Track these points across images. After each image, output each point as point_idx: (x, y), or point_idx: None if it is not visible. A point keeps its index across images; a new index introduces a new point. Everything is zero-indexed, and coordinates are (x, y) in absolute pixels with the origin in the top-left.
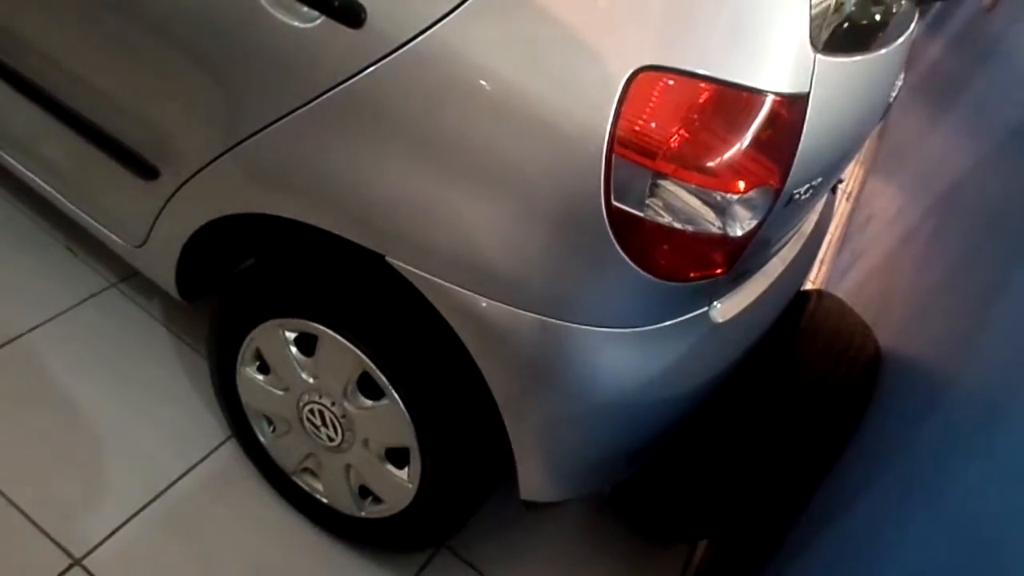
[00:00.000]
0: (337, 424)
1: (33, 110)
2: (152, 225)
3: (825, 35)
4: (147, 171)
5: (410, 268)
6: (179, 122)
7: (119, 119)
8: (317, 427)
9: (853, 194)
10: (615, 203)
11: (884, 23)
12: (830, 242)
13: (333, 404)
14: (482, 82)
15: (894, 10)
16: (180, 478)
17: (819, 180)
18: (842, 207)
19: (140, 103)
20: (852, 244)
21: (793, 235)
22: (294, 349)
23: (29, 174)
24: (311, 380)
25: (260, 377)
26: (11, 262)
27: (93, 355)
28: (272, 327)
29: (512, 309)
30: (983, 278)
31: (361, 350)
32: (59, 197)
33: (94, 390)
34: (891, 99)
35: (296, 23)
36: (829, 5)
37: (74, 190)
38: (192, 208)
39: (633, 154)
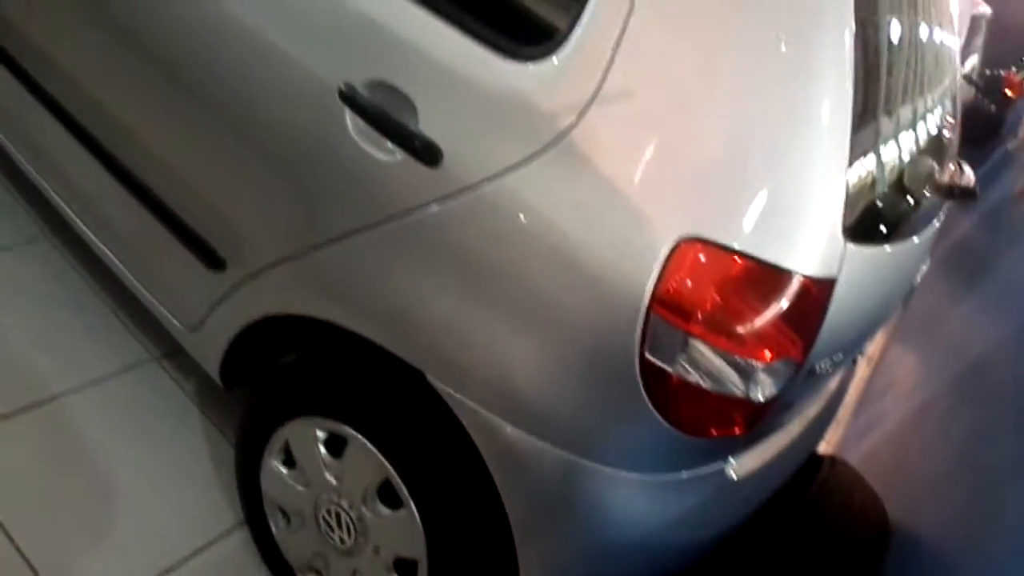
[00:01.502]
0: (352, 528)
1: (112, 182)
2: (209, 312)
3: (856, 225)
4: (215, 261)
5: (447, 389)
6: (254, 221)
7: (196, 208)
8: (331, 528)
9: (874, 359)
10: (648, 356)
11: (912, 215)
12: (848, 404)
13: (351, 507)
14: (539, 230)
15: (923, 203)
16: (189, 558)
17: (840, 356)
18: (862, 370)
19: (219, 197)
20: (869, 409)
21: (813, 399)
22: (323, 449)
23: (94, 237)
24: (334, 481)
25: (284, 470)
26: (60, 319)
27: (124, 425)
28: (305, 424)
29: (538, 441)
30: (1001, 461)
31: (387, 458)
32: (120, 265)
33: (119, 460)
34: (916, 282)
35: (379, 156)
36: (861, 197)
37: (137, 263)
38: (251, 303)
39: (669, 313)
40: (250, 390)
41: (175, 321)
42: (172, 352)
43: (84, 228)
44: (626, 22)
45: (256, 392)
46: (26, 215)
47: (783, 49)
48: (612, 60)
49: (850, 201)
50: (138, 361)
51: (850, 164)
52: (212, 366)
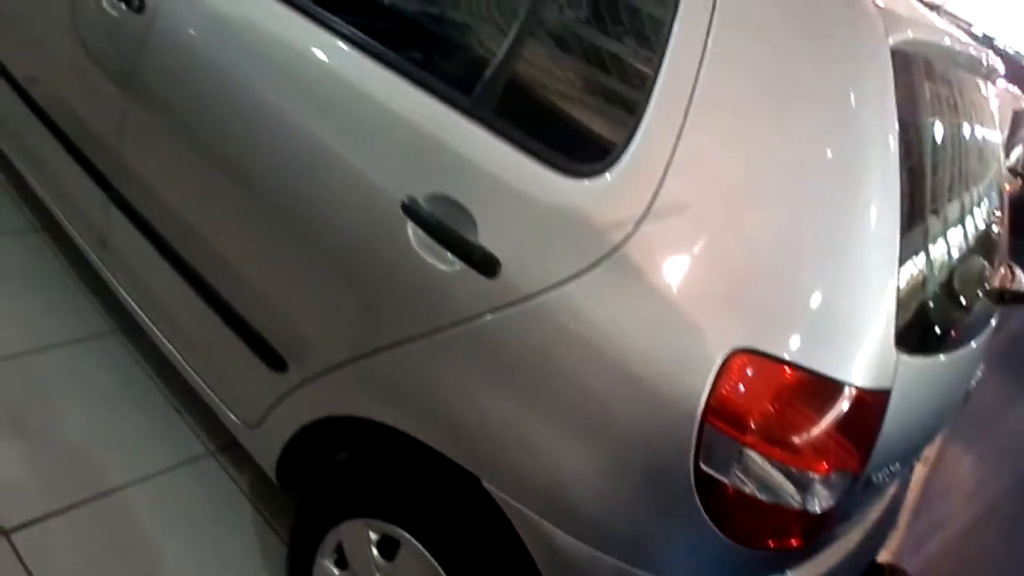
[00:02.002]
0: None
1: (178, 280)
2: (269, 411)
3: (908, 333)
4: (276, 362)
5: (501, 494)
6: (316, 325)
7: (259, 309)
8: None
9: (931, 460)
10: (703, 466)
11: (965, 321)
12: (906, 508)
13: None
14: (594, 339)
15: (975, 307)
16: None
17: (897, 466)
18: (920, 471)
19: (282, 300)
20: (928, 514)
21: (872, 508)
22: (375, 550)
23: (159, 333)
24: None
25: (337, 571)
26: (121, 412)
27: (179, 520)
28: (358, 525)
29: (592, 549)
30: None
31: (439, 561)
32: (183, 361)
33: (174, 554)
34: (970, 388)
35: (440, 266)
36: (912, 301)
37: (200, 360)
38: (310, 404)
39: (724, 424)
40: (305, 488)
41: (234, 417)
42: (228, 445)
43: (150, 324)
44: (678, 138)
45: (310, 491)
46: (94, 310)
47: (829, 155)
48: (664, 175)
49: (902, 306)
50: (195, 455)
51: (900, 266)
52: (269, 464)
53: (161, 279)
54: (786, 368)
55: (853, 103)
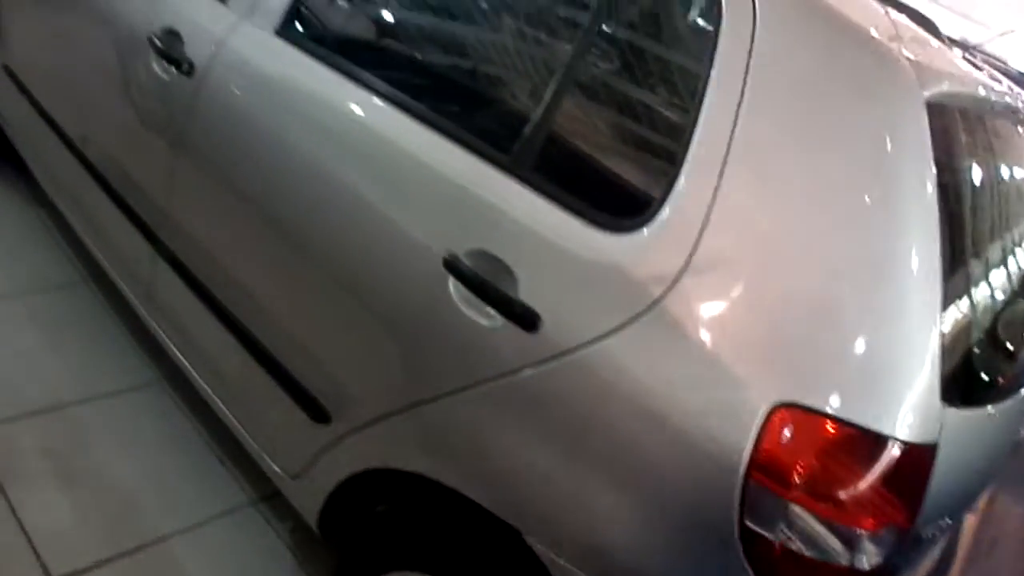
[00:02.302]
0: None
1: (223, 331)
2: (311, 463)
3: (954, 385)
4: (320, 414)
5: (543, 548)
6: (358, 377)
7: (303, 360)
8: None
9: (980, 510)
10: (747, 522)
11: (1012, 369)
12: (957, 560)
13: None
14: (634, 393)
15: (1021, 360)
16: None
17: (947, 520)
18: (969, 522)
19: (325, 352)
20: (980, 565)
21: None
22: None
23: (203, 383)
24: None
25: None
26: (166, 462)
27: (223, 570)
28: None
29: None
30: None
31: None
32: (227, 412)
33: None
34: (1020, 438)
35: (480, 320)
36: (957, 350)
37: (244, 410)
38: (353, 456)
39: (769, 480)
40: (347, 540)
41: (277, 468)
42: (271, 495)
43: (194, 374)
44: (715, 191)
45: (352, 543)
46: (140, 360)
47: (867, 202)
48: (702, 229)
49: (946, 355)
50: (238, 505)
51: (942, 313)
52: (311, 515)
53: (206, 330)
54: (829, 422)
55: (889, 150)
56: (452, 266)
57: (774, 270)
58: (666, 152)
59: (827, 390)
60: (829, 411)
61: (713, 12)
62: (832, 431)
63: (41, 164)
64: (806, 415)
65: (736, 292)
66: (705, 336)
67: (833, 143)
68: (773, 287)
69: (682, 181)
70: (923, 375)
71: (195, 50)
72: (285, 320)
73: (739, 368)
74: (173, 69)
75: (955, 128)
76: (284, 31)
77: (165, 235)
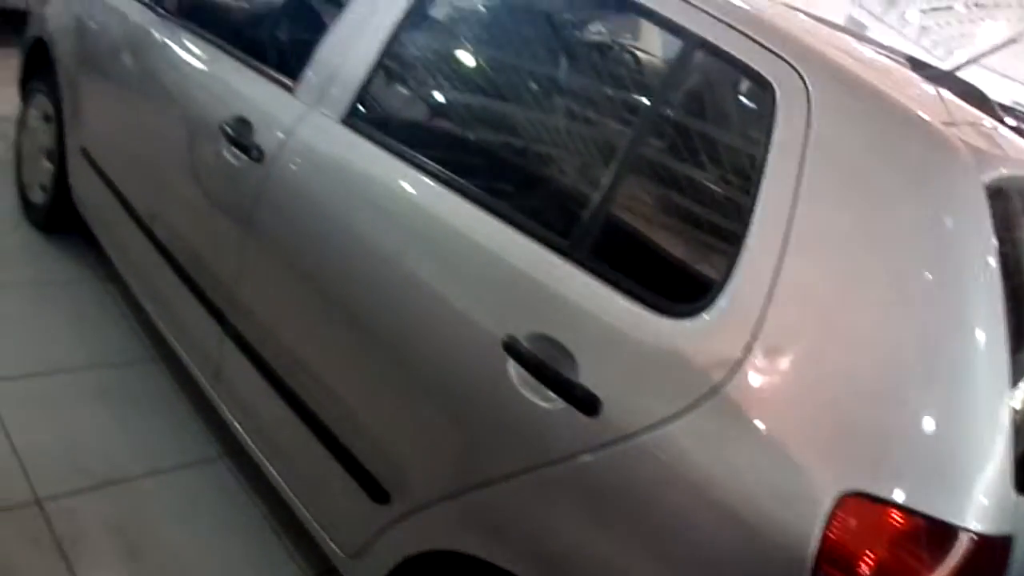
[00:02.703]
0: None
1: (285, 409)
2: (371, 542)
3: None
4: (379, 494)
5: None
6: (418, 458)
7: (364, 440)
8: None
9: None
10: None
11: None
12: None
13: None
14: (696, 481)
15: None
16: None
17: None
18: None
19: (385, 432)
20: None
21: None
22: None
23: (263, 456)
24: None
25: None
26: (227, 537)
27: None
28: None
29: None
30: None
31: None
32: (285, 486)
33: None
34: None
35: (541, 403)
36: None
37: (303, 487)
38: (411, 536)
39: (837, 572)
40: None
41: (335, 546)
42: (327, 572)
43: (256, 451)
44: (776, 274)
45: None
46: (203, 435)
47: (928, 278)
48: (764, 313)
49: (1018, 439)
50: None
51: (1012, 393)
52: None
53: (269, 408)
54: (898, 512)
55: (949, 230)
56: (512, 349)
57: (837, 353)
58: (725, 236)
59: (894, 478)
60: (897, 500)
61: (767, 96)
62: (901, 521)
63: (114, 242)
64: (873, 505)
65: (799, 377)
66: (768, 422)
67: (892, 225)
68: (836, 371)
69: (742, 265)
70: (994, 461)
71: (264, 138)
72: (347, 399)
73: (804, 455)
74: (243, 155)
75: (1016, 207)
76: (349, 119)
77: (232, 315)
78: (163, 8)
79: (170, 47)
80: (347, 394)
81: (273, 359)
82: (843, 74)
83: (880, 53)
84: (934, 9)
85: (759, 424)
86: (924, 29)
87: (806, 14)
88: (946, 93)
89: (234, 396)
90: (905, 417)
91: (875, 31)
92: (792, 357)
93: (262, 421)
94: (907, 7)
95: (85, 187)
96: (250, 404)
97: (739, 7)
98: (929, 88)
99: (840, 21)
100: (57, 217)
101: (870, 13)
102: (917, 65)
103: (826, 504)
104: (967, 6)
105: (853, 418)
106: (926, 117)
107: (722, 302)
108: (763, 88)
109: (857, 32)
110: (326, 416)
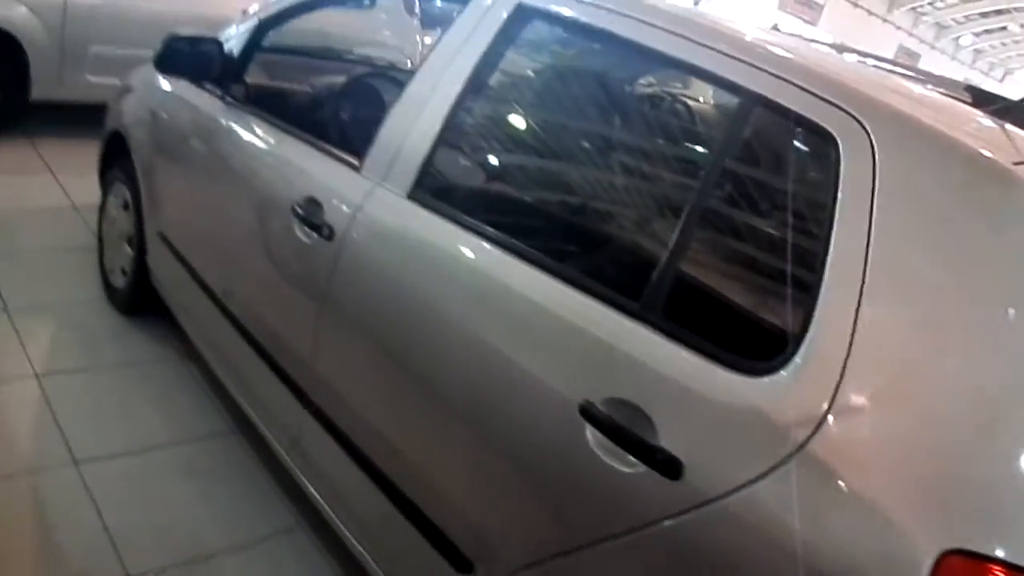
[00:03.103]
0: None
1: (365, 480)
2: None
3: None
4: (461, 564)
5: None
6: (498, 527)
7: (445, 511)
8: None
9: None
10: None
11: None
12: None
13: None
14: (786, 543)
15: None
16: None
17: None
18: None
19: (467, 502)
20: None
21: None
22: None
23: (343, 526)
24: None
25: None
26: None
27: None
28: None
29: None
30: None
31: None
32: (366, 556)
33: None
34: None
35: (621, 468)
36: None
37: (385, 556)
38: None
39: None
40: None
41: None
42: None
43: (337, 521)
44: (855, 323)
45: None
46: (284, 505)
47: (1012, 315)
48: (845, 364)
49: None
50: None
51: None
52: None
53: (349, 478)
54: (1003, 570)
55: None
56: (589, 414)
57: (924, 403)
58: (799, 288)
59: (997, 532)
60: (1001, 555)
61: (830, 147)
62: None
63: (192, 321)
64: (976, 563)
65: (886, 430)
66: (858, 479)
67: (968, 265)
68: (925, 421)
69: (818, 317)
70: None
71: (334, 216)
72: (426, 468)
73: (898, 513)
74: (315, 234)
75: None
76: (415, 194)
77: (309, 387)
78: (230, 96)
79: (239, 132)
80: (426, 463)
81: (351, 430)
82: (903, 118)
83: (937, 89)
84: (987, 32)
85: (849, 481)
86: (978, 52)
87: (859, 53)
88: (1011, 128)
89: (313, 466)
90: (1002, 466)
91: (928, 58)
92: (878, 409)
93: (342, 491)
94: (959, 32)
95: (163, 270)
96: (329, 474)
97: (792, 60)
98: (992, 123)
99: (892, 51)
100: (138, 300)
101: (921, 41)
102: (979, 97)
103: (927, 565)
104: (1022, 26)
105: (948, 469)
106: (989, 154)
107: (800, 356)
108: (825, 139)
109: (910, 67)
110: (406, 485)
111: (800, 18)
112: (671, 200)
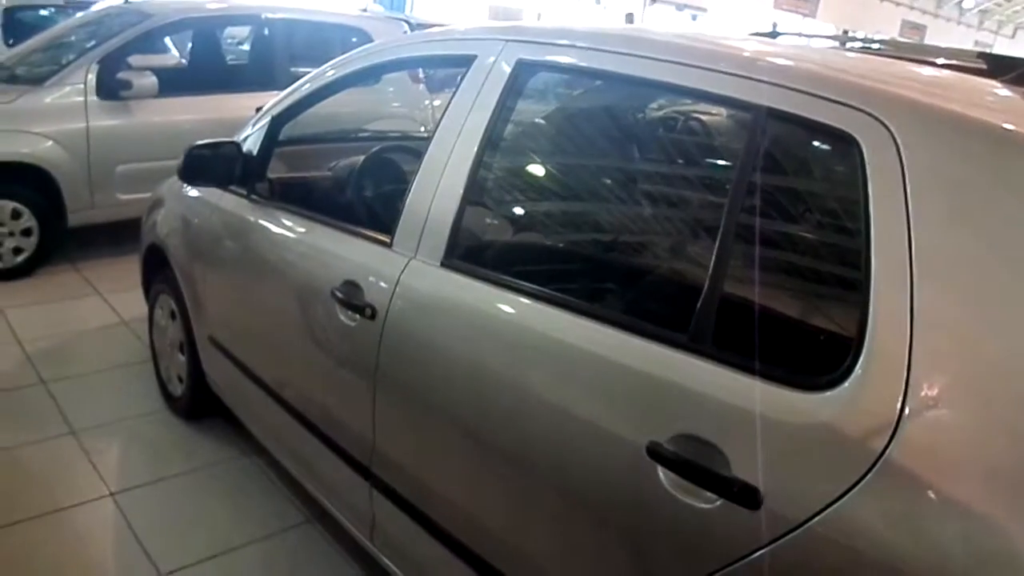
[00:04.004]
0: None
1: (447, 555)
2: None
3: None
4: None
5: None
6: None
7: (525, 571)
8: None
9: None
10: None
11: None
12: None
13: None
14: (883, 558)
15: None
16: None
17: None
18: None
19: (550, 561)
20: None
21: None
22: None
23: None
24: None
25: None
26: None
27: None
28: None
29: None
30: None
31: None
32: None
33: None
34: None
35: (698, 504)
36: None
37: None
38: None
39: None
40: None
41: None
42: None
43: None
44: (911, 323)
45: None
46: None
47: None
48: (909, 361)
49: None
50: None
51: None
52: None
53: (429, 553)
54: None
55: None
56: (657, 455)
57: (1001, 386)
58: (847, 292)
59: None
60: None
61: (853, 148)
62: None
63: (252, 416)
64: None
65: (966, 422)
66: (945, 481)
67: (1012, 237)
68: (1003, 414)
69: (873, 317)
70: None
71: (374, 296)
72: (505, 533)
73: (996, 509)
74: (357, 316)
75: None
76: (448, 261)
77: (375, 465)
78: (256, 194)
79: (269, 228)
80: (504, 527)
81: (423, 503)
82: (920, 107)
83: (950, 62)
84: None
85: (936, 485)
86: (984, 12)
87: (863, 41)
88: None
89: (391, 545)
90: None
91: (934, 28)
92: (953, 400)
93: (424, 568)
94: None
95: (218, 371)
96: (408, 552)
97: (797, 68)
98: (1011, 92)
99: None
100: (197, 405)
101: (924, 12)
102: (994, 64)
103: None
104: None
105: None
106: (1012, 127)
107: (862, 361)
108: (847, 142)
109: (917, 44)
110: (486, 552)
111: (797, 13)
112: (703, 225)
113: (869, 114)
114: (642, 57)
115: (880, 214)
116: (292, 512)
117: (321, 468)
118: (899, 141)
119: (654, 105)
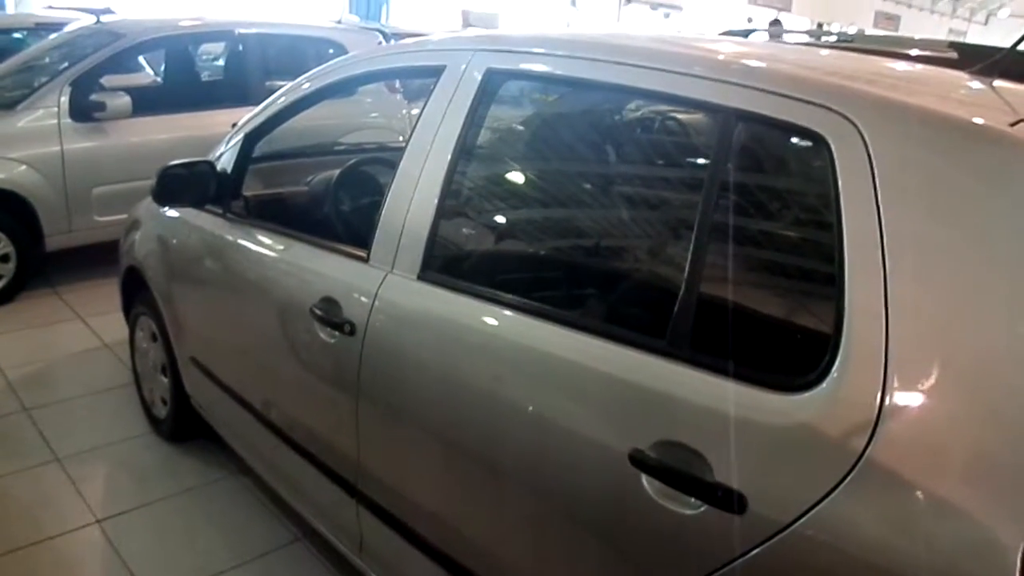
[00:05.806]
0: None
1: (427, 562)
2: None
3: None
4: None
5: None
6: None
7: (493, 566)
8: None
9: None
10: None
11: None
12: None
13: None
14: (870, 557)
15: None
16: None
17: None
18: None
19: (537, 572)
20: None
21: None
22: None
23: None
24: None
25: None
26: None
27: None
28: None
29: None
30: None
31: None
32: None
33: None
34: None
35: (683, 511)
36: None
37: None
38: None
39: None
40: None
41: None
42: None
43: None
44: (886, 317)
45: None
46: None
47: None
48: (886, 362)
49: None
50: None
51: None
52: None
53: (418, 568)
54: None
55: None
56: (640, 462)
57: (979, 377)
58: (821, 289)
59: None
60: None
61: (821, 146)
62: None
63: (237, 436)
64: None
65: (947, 418)
66: (929, 478)
67: (982, 228)
68: (984, 403)
69: (848, 314)
70: None
71: (353, 312)
72: (491, 543)
73: (977, 504)
74: (337, 332)
75: None
76: (424, 274)
77: (360, 482)
78: (231, 212)
79: (246, 246)
80: (490, 539)
81: (410, 518)
82: (888, 103)
83: (921, 54)
84: None
85: (919, 482)
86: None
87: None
88: (1002, 84)
89: (380, 561)
90: None
91: (908, 17)
92: (933, 395)
93: None
94: None
95: (201, 392)
96: (397, 567)
97: (767, 68)
98: (982, 84)
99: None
100: (182, 426)
101: (897, 2)
102: (965, 53)
103: (1015, 558)
104: None
105: (1017, 450)
106: (982, 121)
107: (839, 358)
108: (815, 141)
109: (889, 38)
110: (474, 564)
111: (772, 8)
112: (677, 231)
113: (837, 112)
114: (610, 62)
115: (851, 212)
116: (281, 531)
117: (307, 486)
118: (867, 138)
119: (625, 111)
